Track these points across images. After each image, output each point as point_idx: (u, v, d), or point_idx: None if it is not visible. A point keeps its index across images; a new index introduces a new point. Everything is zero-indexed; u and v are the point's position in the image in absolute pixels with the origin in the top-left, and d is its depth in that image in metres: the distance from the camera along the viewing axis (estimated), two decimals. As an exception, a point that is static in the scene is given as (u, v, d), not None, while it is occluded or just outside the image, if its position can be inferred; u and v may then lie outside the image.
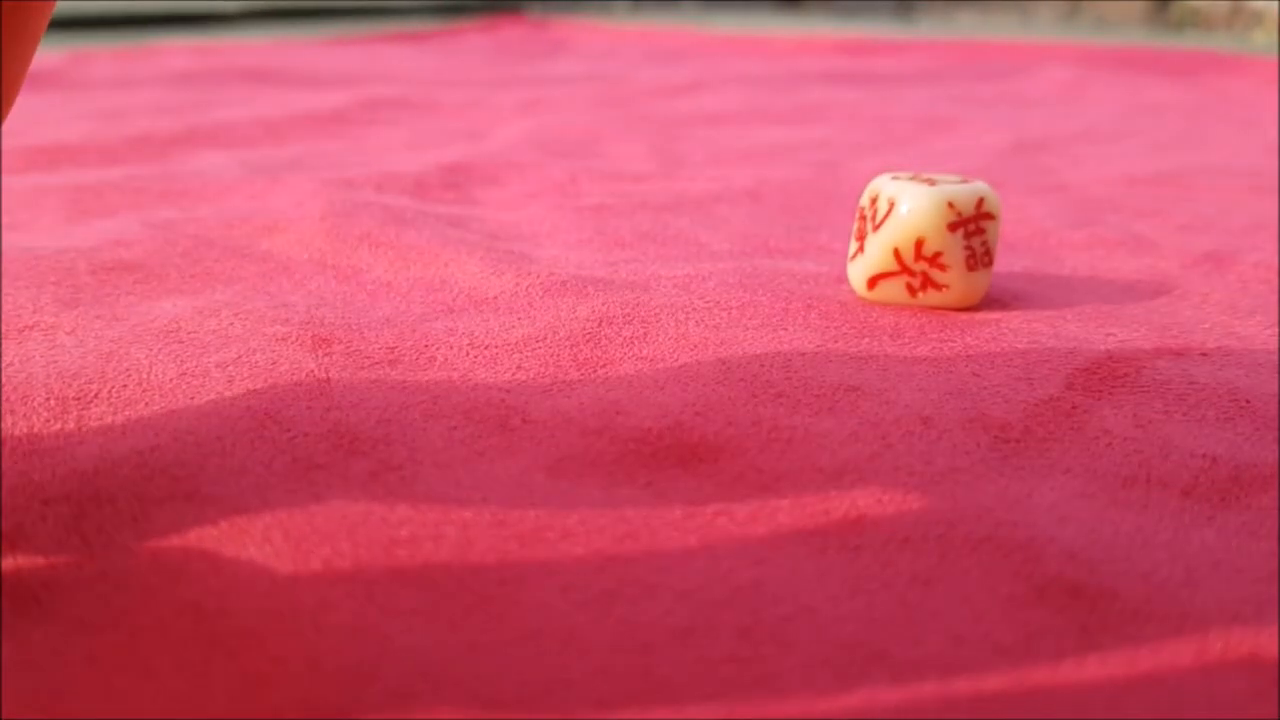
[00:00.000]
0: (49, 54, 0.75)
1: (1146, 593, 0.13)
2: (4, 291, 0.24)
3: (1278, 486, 0.16)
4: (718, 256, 0.28)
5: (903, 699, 0.12)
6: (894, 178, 0.25)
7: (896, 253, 0.24)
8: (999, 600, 0.13)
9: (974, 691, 0.12)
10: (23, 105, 0.53)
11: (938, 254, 0.24)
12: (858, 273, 0.25)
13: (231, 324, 0.23)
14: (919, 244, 0.24)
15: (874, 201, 0.25)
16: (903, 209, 0.24)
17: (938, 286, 0.24)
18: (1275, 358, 0.21)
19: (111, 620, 0.13)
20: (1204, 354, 0.21)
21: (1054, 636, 0.13)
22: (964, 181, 0.24)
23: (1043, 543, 0.14)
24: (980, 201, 0.24)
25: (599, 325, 0.22)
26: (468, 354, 0.21)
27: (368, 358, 0.21)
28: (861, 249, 0.25)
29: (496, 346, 0.21)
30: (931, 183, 0.24)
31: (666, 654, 0.12)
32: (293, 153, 0.43)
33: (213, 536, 0.15)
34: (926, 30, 1.17)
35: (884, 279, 0.24)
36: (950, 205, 0.23)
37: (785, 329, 0.22)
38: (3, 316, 0.23)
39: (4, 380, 0.20)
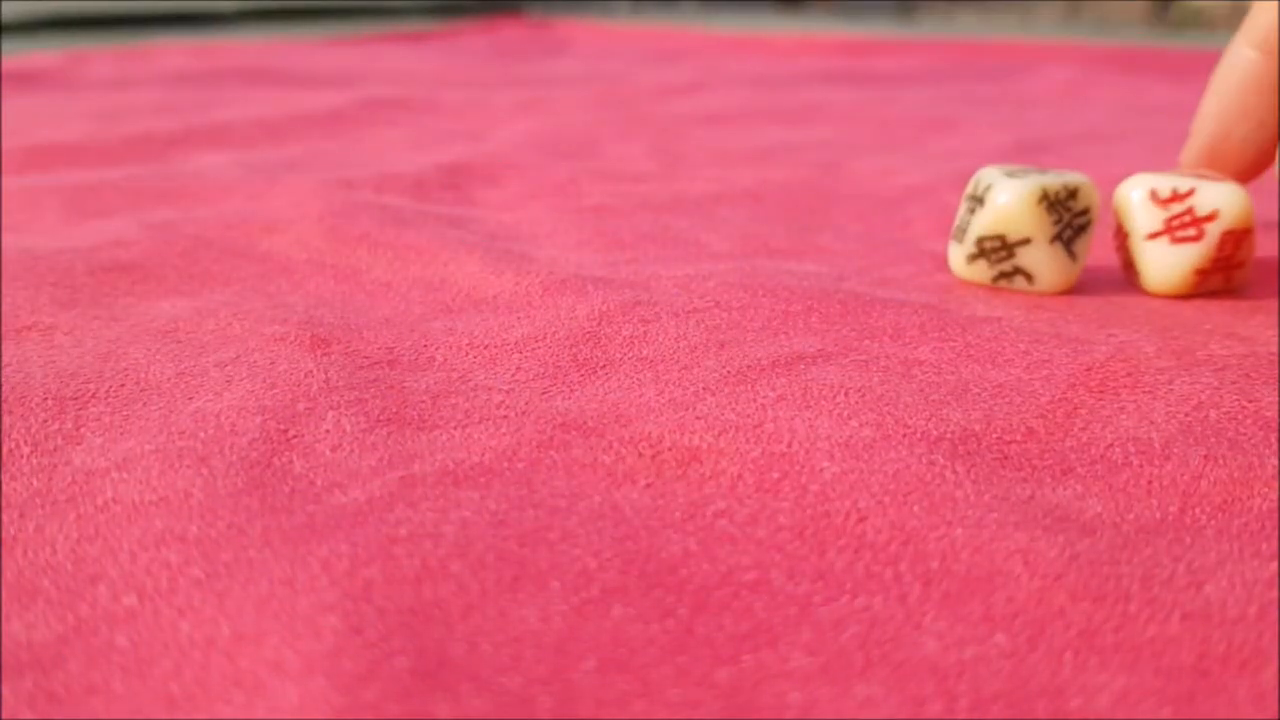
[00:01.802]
0: (46, 54, 0.75)
1: (1149, 595, 0.13)
2: (2, 292, 0.24)
3: (1278, 488, 0.16)
4: (718, 257, 0.28)
5: (903, 701, 0.12)
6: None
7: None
8: (1000, 602, 0.13)
9: (975, 696, 0.12)
10: (20, 105, 0.53)
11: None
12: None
13: (230, 324, 0.23)
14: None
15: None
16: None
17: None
18: (1276, 358, 0.21)
19: (110, 622, 0.13)
20: (1207, 354, 0.21)
21: (1056, 635, 0.13)
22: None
23: (1044, 545, 0.14)
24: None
25: (599, 324, 0.22)
26: (467, 354, 0.21)
27: (366, 358, 0.21)
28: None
29: (495, 347, 0.21)
30: None
31: (667, 655, 0.12)
32: (291, 153, 0.43)
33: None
34: (927, 31, 1.17)
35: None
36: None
37: (786, 331, 0.22)
38: (1, 317, 0.23)
39: (2, 380, 0.20)
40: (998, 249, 0.25)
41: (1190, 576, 0.14)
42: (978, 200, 0.25)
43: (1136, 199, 0.25)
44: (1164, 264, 0.24)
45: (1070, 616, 0.13)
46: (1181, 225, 0.24)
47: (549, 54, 0.87)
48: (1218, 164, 0.27)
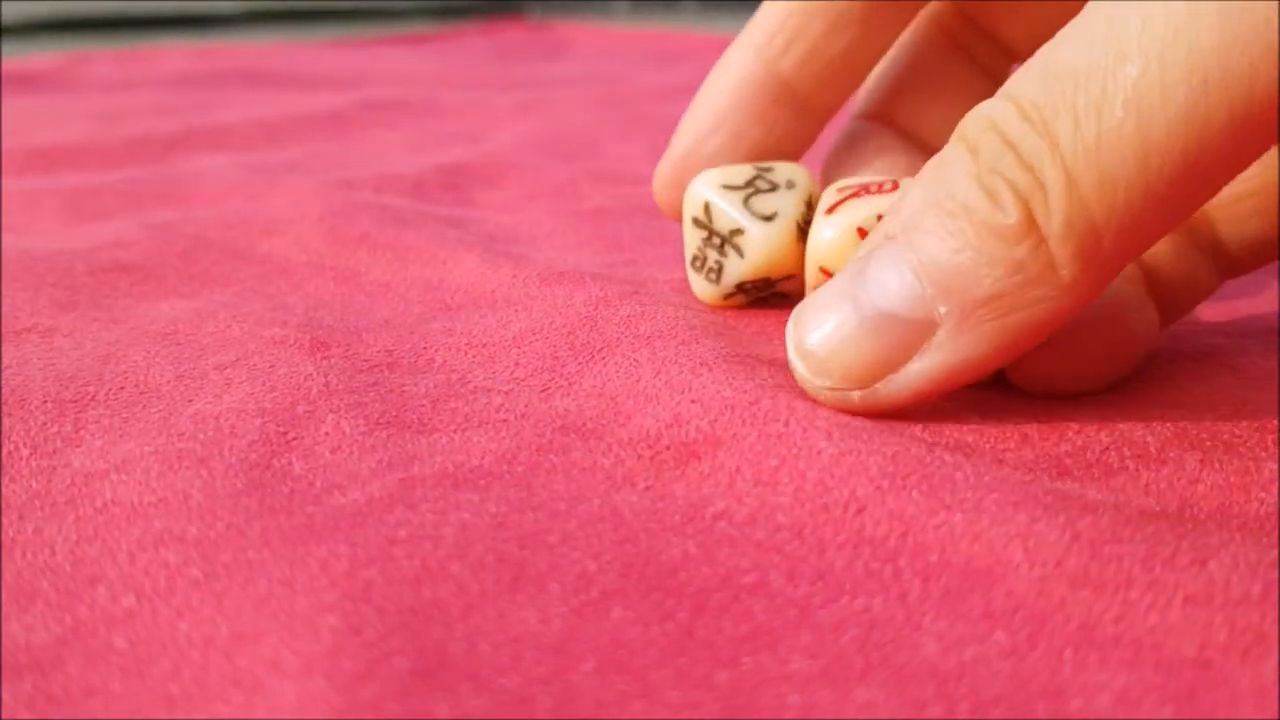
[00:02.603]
0: (46, 55, 0.75)
1: (1151, 577, 0.13)
2: (2, 293, 0.24)
3: (1277, 490, 0.16)
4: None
5: (904, 704, 0.12)
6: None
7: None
8: (999, 596, 0.13)
9: (975, 699, 0.12)
10: (21, 107, 0.53)
11: None
12: None
13: (229, 326, 0.23)
14: None
15: None
16: None
17: None
18: (1275, 357, 0.21)
19: (109, 622, 0.13)
20: (1206, 352, 0.21)
21: (1056, 631, 0.13)
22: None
23: (1045, 527, 0.14)
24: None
25: (596, 308, 0.22)
26: (465, 354, 0.21)
27: (366, 360, 0.21)
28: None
29: (494, 344, 0.21)
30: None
31: (666, 657, 0.12)
32: (291, 154, 0.43)
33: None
34: (926, 32, 1.16)
35: None
36: None
37: (783, 334, 0.22)
38: (0, 318, 0.23)
39: (2, 383, 0.20)
40: (759, 286, 0.23)
41: (1193, 554, 0.13)
42: (724, 241, 0.22)
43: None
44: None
45: (1070, 608, 0.13)
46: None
47: (549, 56, 0.88)
48: (684, 185, 0.24)
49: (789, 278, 0.23)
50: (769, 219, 0.22)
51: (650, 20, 1.25)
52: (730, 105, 0.23)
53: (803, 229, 0.22)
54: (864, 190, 0.21)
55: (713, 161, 0.23)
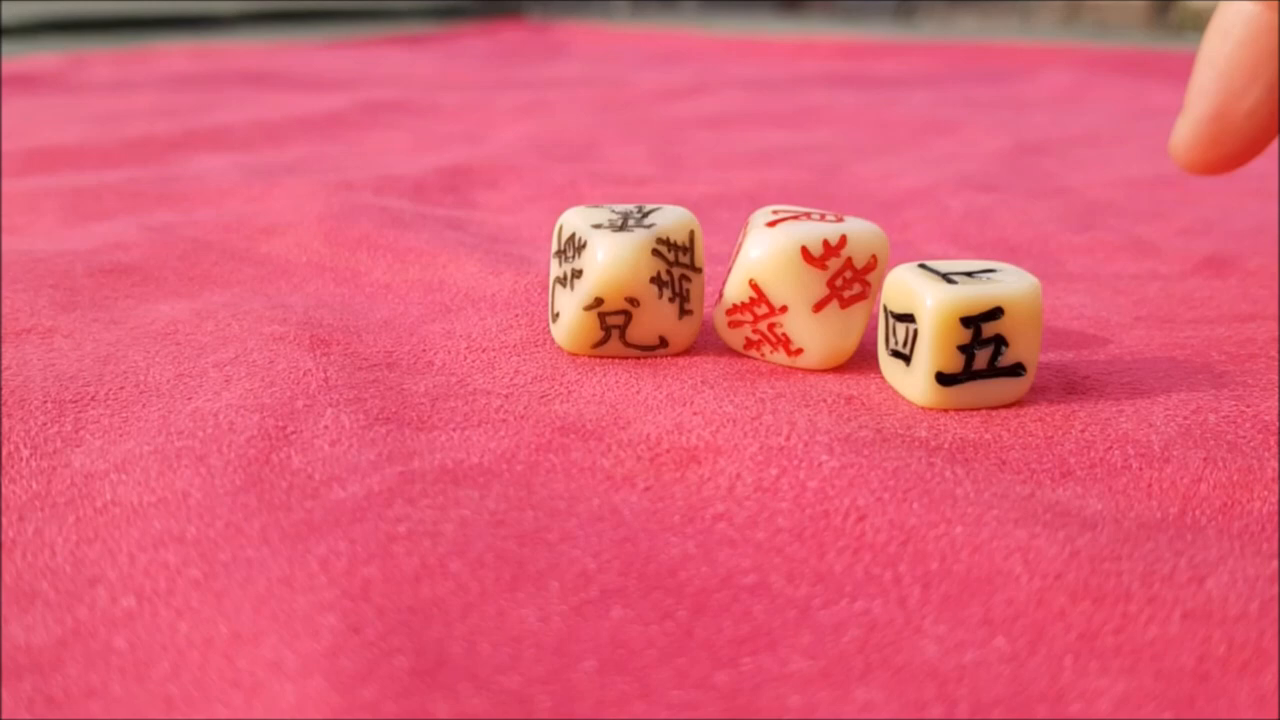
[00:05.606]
0: (46, 56, 0.75)
1: (1149, 593, 0.13)
2: (2, 294, 0.24)
3: (1277, 491, 0.16)
4: (717, 259, 0.28)
5: (903, 705, 0.12)
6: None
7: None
8: (1000, 604, 0.13)
9: (975, 701, 0.12)
10: (20, 108, 0.53)
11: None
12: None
13: (229, 325, 0.23)
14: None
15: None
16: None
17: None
18: (1275, 363, 0.21)
19: (108, 623, 0.13)
20: (1207, 359, 0.21)
21: (1056, 638, 0.13)
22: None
23: (1044, 543, 0.14)
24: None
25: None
26: (465, 357, 0.21)
27: (365, 359, 0.21)
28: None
29: (494, 349, 0.21)
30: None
31: (666, 657, 0.12)
32: (291, 155, 0.43)
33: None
34: (927, 33, 1.17)
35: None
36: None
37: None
38: (1, 319, 0.23)
39: (2, 383, 0.20)
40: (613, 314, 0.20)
41: (1192, 571, 0.14)
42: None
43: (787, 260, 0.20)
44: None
45: (1070, 618, 0.13)
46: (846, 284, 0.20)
47: (548, 56, 0.88)
48: (1222, 143, 0.24)
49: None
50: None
51: (650, 20, 1.25)
52: (1261, 59, 0.23)
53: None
54: (805, 216, 0.20)
55: (1249, 121, 0.23)
